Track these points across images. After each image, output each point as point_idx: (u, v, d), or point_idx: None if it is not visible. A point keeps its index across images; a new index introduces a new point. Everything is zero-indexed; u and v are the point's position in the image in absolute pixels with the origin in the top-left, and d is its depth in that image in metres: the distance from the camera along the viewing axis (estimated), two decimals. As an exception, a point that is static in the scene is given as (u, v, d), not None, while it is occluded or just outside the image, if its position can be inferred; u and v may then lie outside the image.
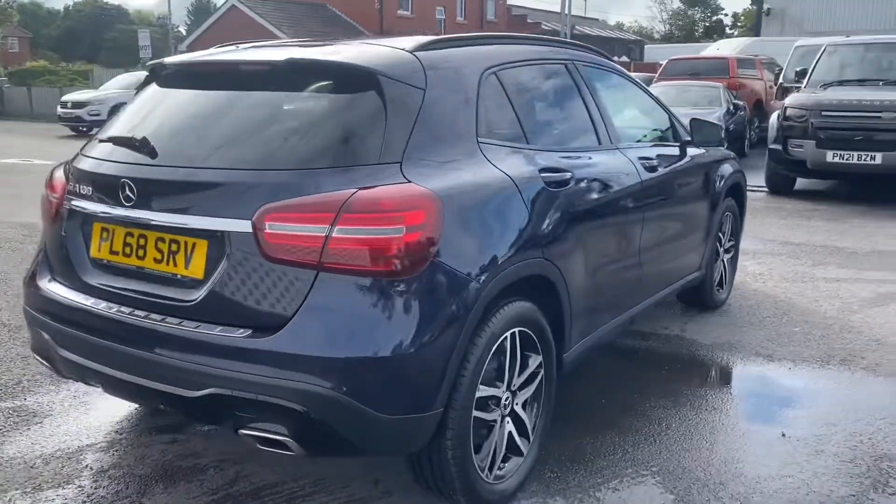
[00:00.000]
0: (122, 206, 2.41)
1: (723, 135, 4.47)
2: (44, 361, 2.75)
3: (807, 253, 6.51)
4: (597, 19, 59.02)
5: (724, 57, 15.09)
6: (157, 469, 2.89)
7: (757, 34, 28.24)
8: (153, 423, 3.25)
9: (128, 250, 2.47)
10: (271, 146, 2.36)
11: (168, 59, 2.84)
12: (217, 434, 3.15)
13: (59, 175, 2.77)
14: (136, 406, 3.33)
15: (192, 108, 2.64)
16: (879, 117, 8.60)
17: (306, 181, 2.20)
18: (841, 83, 9.75)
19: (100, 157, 2.61)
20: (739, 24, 61.77)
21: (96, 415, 3.35)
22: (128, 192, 2.39)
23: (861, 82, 9.70)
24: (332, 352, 2.12)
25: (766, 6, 28.42)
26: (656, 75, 15.60)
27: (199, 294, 2.28)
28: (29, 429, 3.21)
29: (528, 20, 42.36)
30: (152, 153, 2.45)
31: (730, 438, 3.18)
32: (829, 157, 8.81)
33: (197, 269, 2.30)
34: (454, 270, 2.28)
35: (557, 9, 30.16)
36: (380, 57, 2.53)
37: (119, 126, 2.74)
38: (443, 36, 2.85)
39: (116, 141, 2.60)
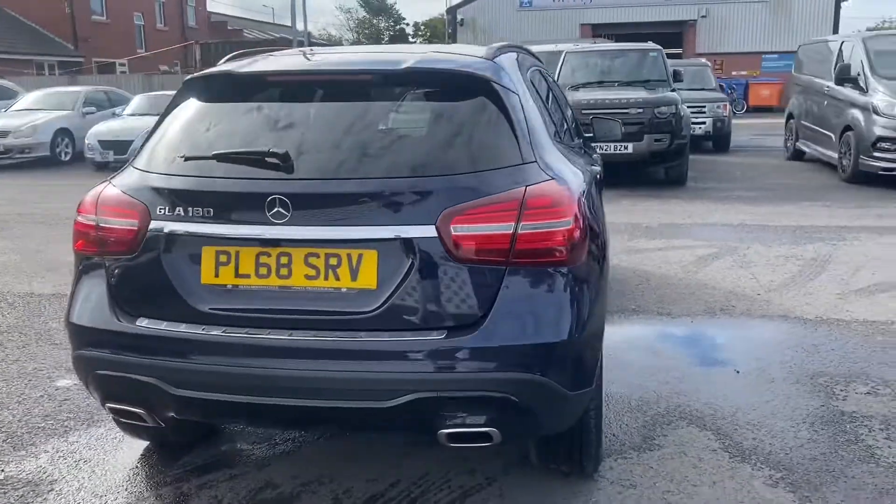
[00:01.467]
0: (270, 223, 2.28)
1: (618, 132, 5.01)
2: (135, 409, 2.47)
3: (616, 230, 7.57)
4: (289, 26, 59.24)
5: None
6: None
7: (454, 42, 30.73)
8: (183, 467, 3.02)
9: (263, 271, 2.33)
10: (425, 152, 2.40)
11: (246, 70, 2.67)
12: (251, 469, 3.03)
13: (127, 199, 2.48)
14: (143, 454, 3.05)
15: (307, 119, 2.55)
16: (627, 112, 10.14)
17: (478, 183, 2.31)
18: (585, 85, 11.30)
19: (216, 174, 2.41)
20: (420, 32, 65.93)
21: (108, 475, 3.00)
22: (279, 208, 2.28)
23: (600, 84, 11.34)
24: (530, 339, 2.27)
25: (459, 17, 31.03)
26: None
27: (376, 303, 2.26)
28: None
29: (229, 27, 41.29)
30: (290, 167, 2.35)
31: (699, 380, 3.81)
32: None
33: (368, 279, 2.28)
34: (597, 256, 2.55)
35: (258, 17, 30.00)
36: (479, 63, 2.68)
37: (212, 139, 2.54)
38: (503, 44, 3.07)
39: (229, 158, 2.42)
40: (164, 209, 2.42)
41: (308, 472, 2.95)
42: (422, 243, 2.25)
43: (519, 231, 2.27)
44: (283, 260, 2.32)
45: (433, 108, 2.57)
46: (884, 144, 9.65)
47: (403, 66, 2.51)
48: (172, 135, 2.65)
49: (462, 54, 2.83)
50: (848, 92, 10.59)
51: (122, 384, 2.46)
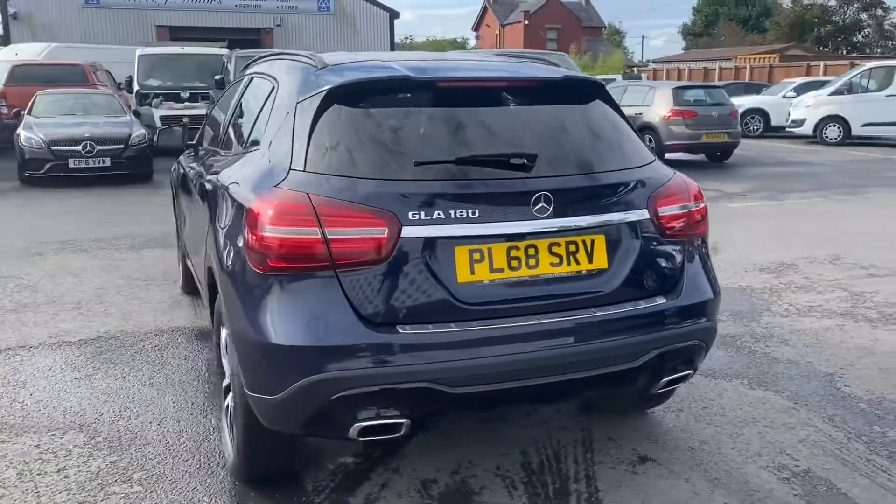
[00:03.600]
0: (532, 218, 2.50)
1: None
2: (397, 420, 2.43)
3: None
4: None
5: (78, 63, 14.68)
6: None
7: (7, 39, 26.90)
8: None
9: (515, 264, 2.53)
10: (607, 149, 2.80)
11: (425, 77, 2.71)
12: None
13: (366, 207, 2.42)
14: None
15: (498, 122, 2.71)
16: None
17: (652, 173, 2.83)
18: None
19: (472, 177, 2.53)
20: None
21: None
22: (543, 203, 2.50)
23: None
24: (707, 296, 2.87)
25: (11, 10, 27.20)
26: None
27: (610, 280, 2.65)
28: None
29: None
30: (530, 168, 2.56)
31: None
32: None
33: (600, 260, 2.65)
34: None
35: None
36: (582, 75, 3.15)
37: (425, 143, 2.60)
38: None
39: (475, 161, 2.54)
40: (419, 214, 2.43)
41: (446, 461, 3.09)
42: (639, 225, 2.72)
43: (691, 209, 2.87)
44: (531, 251, 2.56)
45: (585, 110, 2.92)
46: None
47: (561, 75, 2.89)
48: (365, 139, 2.60)
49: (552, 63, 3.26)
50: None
51: (382, 397, 2.40)
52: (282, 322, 2.43)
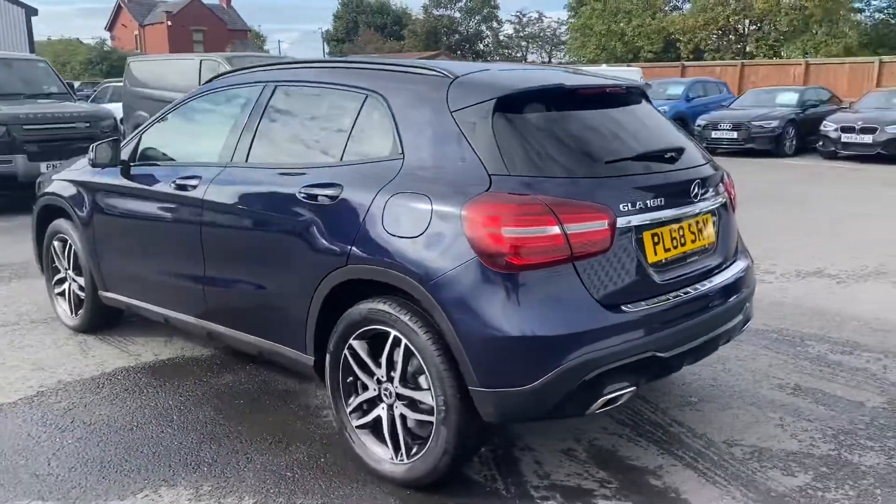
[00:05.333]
0: (692, 202, 3.01)
1: None
2: (627, 391, 2.77)
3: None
4: None
5: None
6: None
7: None
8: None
9: (675, 244, 3.01)
10: (687, 144, 3.37)
11: (575, 83, 3.03)
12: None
13: (587, 203, 2.71)
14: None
15: (628, 122, 3.14)
16: (74, 127, 9.47)
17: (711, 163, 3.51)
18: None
19: (653, 170, 2.95)
20: None
21: None
22: (698, 189, 3.03)
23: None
24: (749, 261, 3.63)
25: None
26: None
27: (718, 250, 3.28)
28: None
29: None
30: (675, 160, 3.06)
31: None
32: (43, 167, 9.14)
33: (712, 236, 3.25)
34: None
35: None
36: None
37: (601, 143, 2.97)
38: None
39: (645, 157, 2.96)
40: (626, 206, 2.78)
41: (563, 436, 3.44)
42: (726, 204, 3.37)
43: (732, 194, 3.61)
44: (680, 232, 3.07)
45: (652, 109, 3.46)
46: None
47: (640, 80, 3.41)
48: (545, 141, 2.87)
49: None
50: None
51: (620, 372, 2.72)
52: (535, 315, 2.62)
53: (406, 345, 2.87)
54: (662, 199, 2.94)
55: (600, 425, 3.52)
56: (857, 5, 40.93)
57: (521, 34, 57.65)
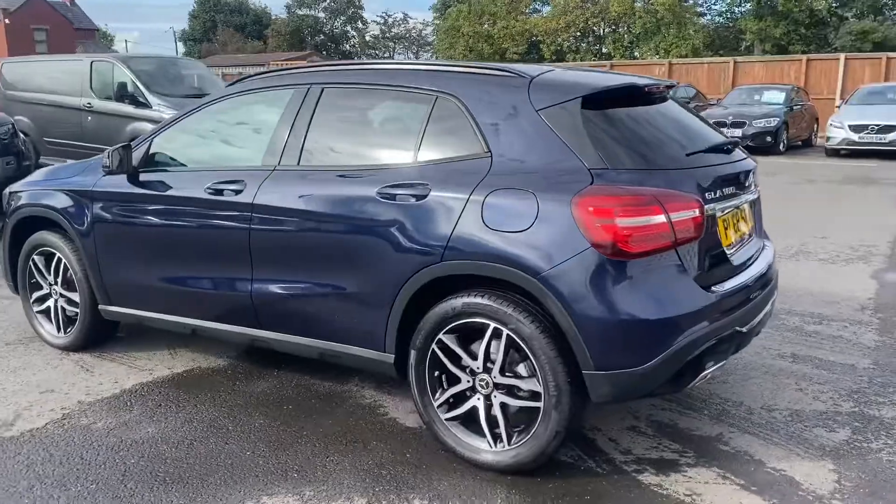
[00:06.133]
0: (747, 191, 3.28)
1: None
2: (721, 363, 3.00)
3: None
4: None
5: None
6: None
7: None
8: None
9: (734, 229, 3.29)
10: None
11: (644, 82, 3.24)
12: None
13: (682, 194, 2.91)
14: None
15: (680, 118, 3.40)
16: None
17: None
18: None
19: (714, 162, 3.17)
20: None
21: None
22: (749, 178, 3.33)
23: None
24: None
25: None
26: None
27: (758, 235, 3.64)
28: None
29: None
30: (728, 152, 3.33)
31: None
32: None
33: (751, 220, 3.55)
34: None
35: None
36: None
37: (669, 138, 3.21)
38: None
39: (712, 149, 3.24)
40: (709, 195, 3.03)
41: (619, 416, 3.65)
42: (758, 194, 3.70)
43: None
44: (745, 214, 3.39)
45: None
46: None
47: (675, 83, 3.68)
48: (631, 136, 3.07)
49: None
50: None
51: (715, 347, 2.97)
52: (647, 300, 2.81)
53: (508, 335, 2.97)
54: (732, 187, 3.21)
55: (650, 403, 3.76)
56: (699, 9, 44.22)
57: (388, 35, 57.83)
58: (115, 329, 4.64)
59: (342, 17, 56.96)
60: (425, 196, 3.12)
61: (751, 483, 3.04)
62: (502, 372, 3.05)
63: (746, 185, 3.38)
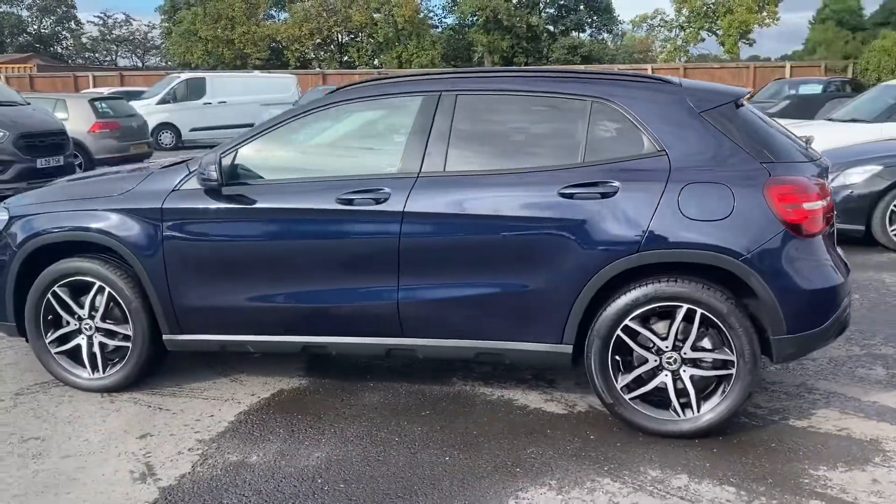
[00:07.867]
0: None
1: None
2: None
3: None
4: None
5: None
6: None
7: None
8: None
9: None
10: None
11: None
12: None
13: (826, 183, 3.48)
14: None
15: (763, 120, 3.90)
16: None
17: None
18: None
19: (813, 157, 3.69)
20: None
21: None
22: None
23: None
24: None
25: None
26: None
27: None
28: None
29: None
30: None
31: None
32: None
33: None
34: None
35: None
36: None
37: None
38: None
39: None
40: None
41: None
42: None
43: None
44: None
45: None
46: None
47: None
48: (762, 133, 3.56)
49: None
50: None
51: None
52: (827, 270, 3.37)
53: (703, 313, 3.35)
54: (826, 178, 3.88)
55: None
56: (431, 22, 46.90)
57: (108, 37, 53.13)
58: (161, 363, 4.17)
59: (51, 17, 51.21)
60: (613, 193, 3.38)
61: (874, 414, 3.71)
62: (692, 348, 3.41)
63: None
